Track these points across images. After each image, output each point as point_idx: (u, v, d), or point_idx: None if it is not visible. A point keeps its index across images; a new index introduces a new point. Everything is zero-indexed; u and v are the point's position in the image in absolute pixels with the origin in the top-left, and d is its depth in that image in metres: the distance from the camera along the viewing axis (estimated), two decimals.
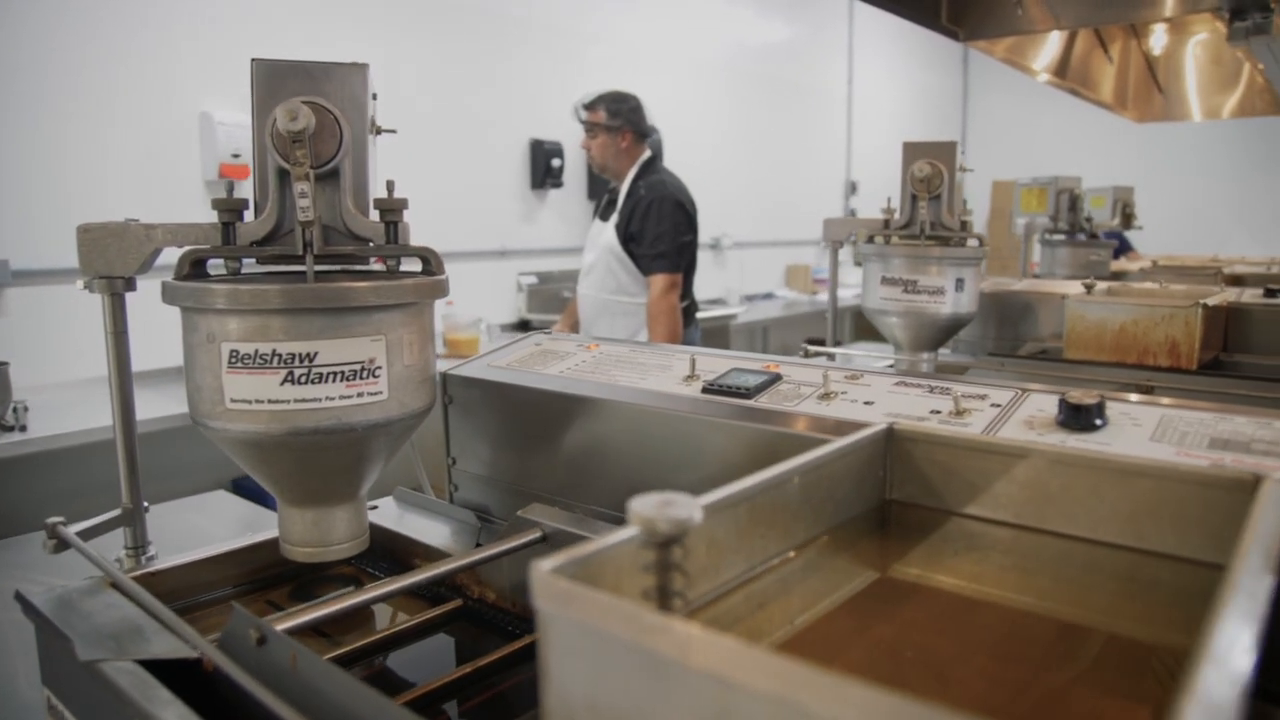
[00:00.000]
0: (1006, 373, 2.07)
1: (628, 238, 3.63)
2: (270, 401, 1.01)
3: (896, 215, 2.42)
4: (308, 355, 1.00)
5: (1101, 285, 2.28)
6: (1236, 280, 3.27)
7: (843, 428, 0.94)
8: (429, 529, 1.26)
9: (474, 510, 1.28)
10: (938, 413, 0.93)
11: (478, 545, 1.20)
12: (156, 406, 3.08)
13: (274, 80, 1.14)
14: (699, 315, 4.01)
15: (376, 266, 1.22)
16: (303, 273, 1.22)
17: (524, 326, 5.09)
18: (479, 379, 1.25)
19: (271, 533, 1.24)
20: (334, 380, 1.02)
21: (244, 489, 3.68)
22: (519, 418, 1.22)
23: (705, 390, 1.08)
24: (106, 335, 1.14)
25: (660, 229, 3.58)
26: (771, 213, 7.12)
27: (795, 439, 0.94)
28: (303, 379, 1.00)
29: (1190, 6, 3.48)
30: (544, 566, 0.47)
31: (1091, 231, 3.91)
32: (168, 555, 1.22)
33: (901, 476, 0.80)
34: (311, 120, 1.09)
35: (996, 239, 7.28)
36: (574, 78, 5.24)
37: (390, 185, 1.22)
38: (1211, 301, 1.91)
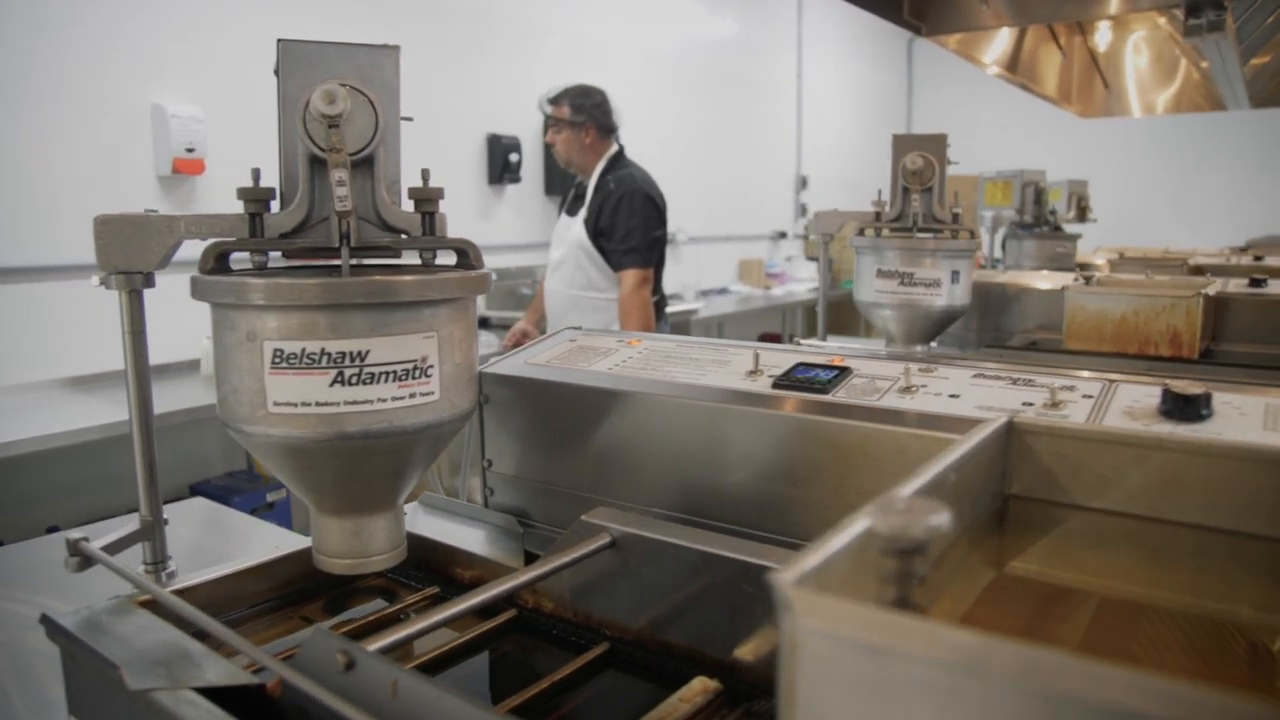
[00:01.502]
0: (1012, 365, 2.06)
1: (597, 233, 3.57)
2: (318, 404, 0.93)
3: (887, 208, 2.41)
4: (359, 354, 0.93)
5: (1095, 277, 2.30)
6: (1199, 271, 3.34)
7: (937, 422, 0.90)
8: (465, 536, 1.19)
9: (512, 514, 1.22)
10: (1031, 404, 0.91)
11: (534, 555, 1.13)
12: (102, 413, 2.93)
13: (301, 61, 1.07)
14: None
15: (402, 261, 1.15)
16: (336, 267, 1.16)
17: (483, 324, 5.00)
18: (518, 377, 1.19)
19: (300, 544, 1.17)
20: (386, 380, 0.95)
21: (202, 492, 3.54)
22: (566, 416, 1.16)
23: (776, 385, 1.03)
24: (124, 335, 1.05)
25: (631, 224, 3.53)
26: (724, 207, 7.12)
27: (889, 435, 0.90)
28: (353, 379, 0.93)
29: (1148, 3, 3.53)
30: (788, 579, 0.42)
31: (1056, 224, 3.98)
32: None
33: (1021, 471, 0.77)
34: (348, 104, 1.03)
35: None
36: (530, 71, 5.16)
37: (425, 174, 1.16)
38: (1211, 291, 1.93)
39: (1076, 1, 3.76)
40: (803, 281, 7.53)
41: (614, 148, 3.69)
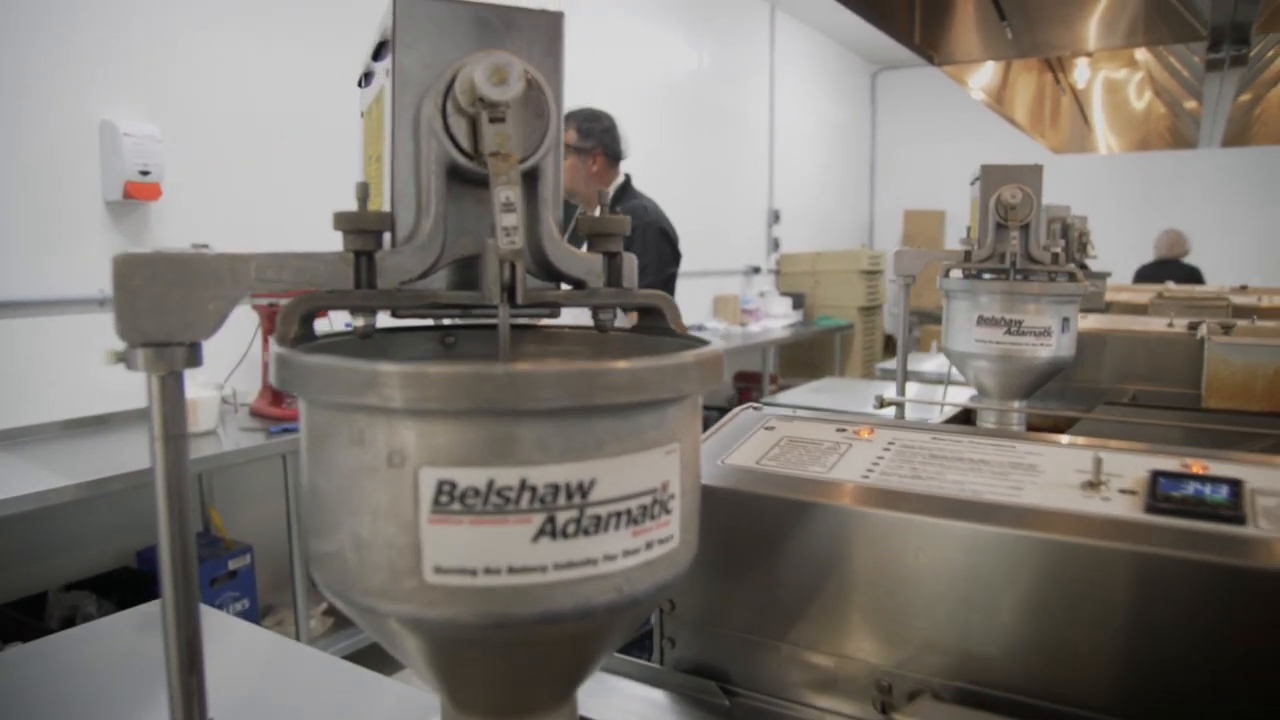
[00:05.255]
0: (1142, 426, 1.76)
1: None
2: (511, 570, 0.56)
3: (977, 247, 2.12)
4: (580, 487, 0.57)
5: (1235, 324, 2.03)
6: (1239, 313, 3.17)
7: None
8: (642, 709, 0.83)
9: (703, 676, 0.85)
10: None
11: None
12: (35, 478, 2.47)
13: (428, 26, 0.71)
14: None
15: (560, 322, 0.79)
16: (458, 328, 0.80)
17: None
18: (721, 487, 0.83)
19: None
20: (617, 526, 0.58)
21: (151, 559, 3.05)
22: (797, 544, 0.80)
23: (1153, 510, 0.69)
24: (153, 443, 0.65)
25: (645, 260, 3.20)
26: (699, 242, 6.81)
27: None
28: (570, 529, 0.57)
29: (1170, 36, 3.37)
30: None
31: (1082, 262, 3.74)
32: None
33: None
34: (521, 85, 0.67)
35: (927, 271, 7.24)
36: None
37: (603, 196, 0.80)
38: None
39: (1106, 31, 3.59)
40: (777, 318, 7.27)
41: (621, 177, 3.37)
